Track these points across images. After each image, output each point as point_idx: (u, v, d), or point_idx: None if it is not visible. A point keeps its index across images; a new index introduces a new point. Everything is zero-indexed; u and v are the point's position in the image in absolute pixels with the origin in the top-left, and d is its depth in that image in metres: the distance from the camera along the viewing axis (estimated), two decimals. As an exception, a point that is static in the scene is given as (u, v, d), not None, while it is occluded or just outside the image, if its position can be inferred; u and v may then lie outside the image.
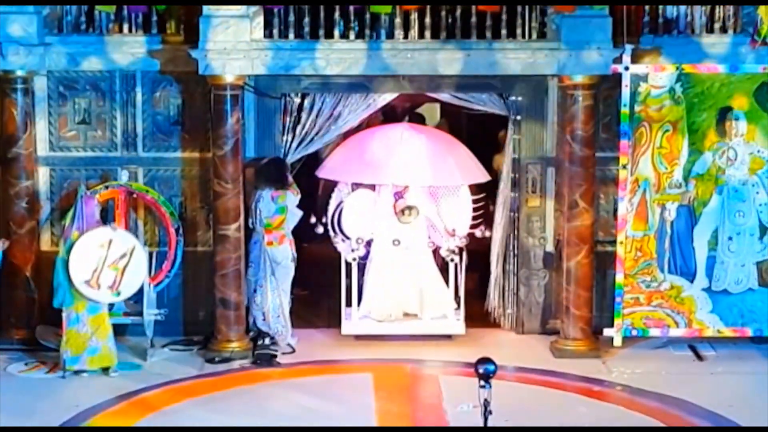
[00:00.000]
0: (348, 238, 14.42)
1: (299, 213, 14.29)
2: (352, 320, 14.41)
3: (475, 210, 14.58)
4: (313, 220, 14.51)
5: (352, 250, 14.30)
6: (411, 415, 12.36)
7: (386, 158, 14.27)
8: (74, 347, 13.32)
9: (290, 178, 14.27)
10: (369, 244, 14.46)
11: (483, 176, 14.62)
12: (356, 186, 14.53)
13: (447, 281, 14.45)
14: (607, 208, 14.38)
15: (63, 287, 13.30)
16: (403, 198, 14.39)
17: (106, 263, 13.31)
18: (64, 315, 13.35)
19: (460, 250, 14.26)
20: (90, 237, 13.24)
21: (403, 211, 14.33)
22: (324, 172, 14.77)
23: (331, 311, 14.88)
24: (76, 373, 13.32)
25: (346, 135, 15.16)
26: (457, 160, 14.45)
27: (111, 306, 13.73)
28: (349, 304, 14.41)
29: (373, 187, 14.54)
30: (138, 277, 13.51)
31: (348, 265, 14.31)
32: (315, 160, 15.52)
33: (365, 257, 14.46)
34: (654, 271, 13.98)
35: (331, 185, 14.84)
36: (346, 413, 12.25)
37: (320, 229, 14.50)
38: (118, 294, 13.46)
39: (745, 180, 13.92)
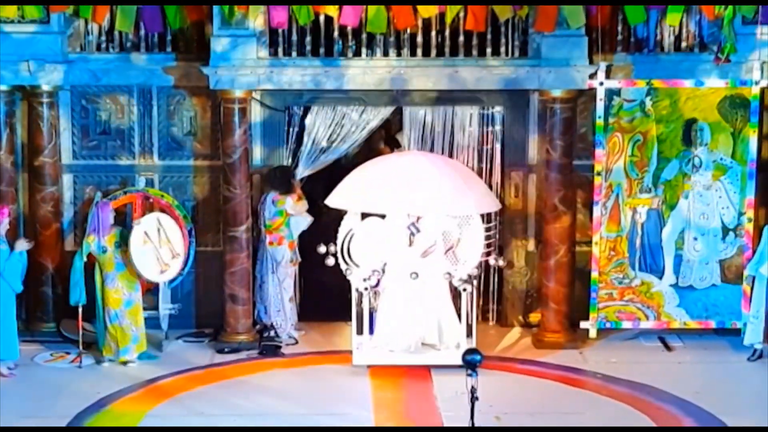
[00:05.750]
0: (357, 266, 13.71)
1: (307, 219, 14.65)
2: (364, 350, 13.70)
3: (486, 238, 14.08)
4: (322, 249, 13.80)
5: (364, 280, 13.63)
6: (405, 400, 12.89)
7: (401, 187, 13.48)
8: (121, 340, 13.86)
9: (295, 185, 14.66)
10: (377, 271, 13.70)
11: (495, 205, 14.13)
12: (365, 214, 13.79)
13: (458, 309, 13.84)
14: (584, 212, 14.71)
15: (79, 286, 13.79)
16: (418, 229, 13.59)
17: (159, 247, 14.01)
18: (80, 310, 13.87)
19: (470, 277, 13.70)
20: (134, 245, 13.80)
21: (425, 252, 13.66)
22: (334, 201, 13.87)
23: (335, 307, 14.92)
24: (124, 363, 13.83)
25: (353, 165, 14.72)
26: (472, 189, 13.72)
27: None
28: (359, 332, 13.80)
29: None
30: (175, 230, 14.25)
31: (359, 293, 13.72)
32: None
33: (376, 285, 13.74)
34: (626, 269, 14.43)
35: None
36: (345, 399, 12.81)
37: (331, 261, 13.72)
38: (179, 254, 14.25)
39: (709, 185, 14.33)
